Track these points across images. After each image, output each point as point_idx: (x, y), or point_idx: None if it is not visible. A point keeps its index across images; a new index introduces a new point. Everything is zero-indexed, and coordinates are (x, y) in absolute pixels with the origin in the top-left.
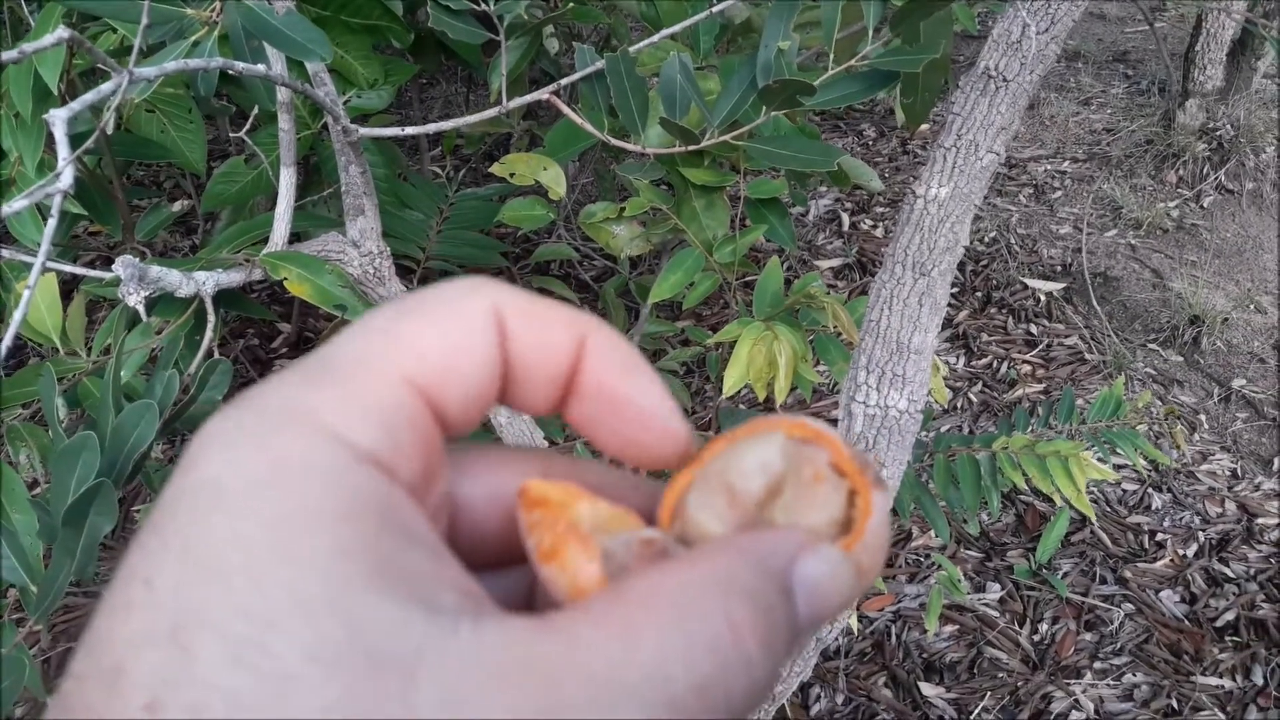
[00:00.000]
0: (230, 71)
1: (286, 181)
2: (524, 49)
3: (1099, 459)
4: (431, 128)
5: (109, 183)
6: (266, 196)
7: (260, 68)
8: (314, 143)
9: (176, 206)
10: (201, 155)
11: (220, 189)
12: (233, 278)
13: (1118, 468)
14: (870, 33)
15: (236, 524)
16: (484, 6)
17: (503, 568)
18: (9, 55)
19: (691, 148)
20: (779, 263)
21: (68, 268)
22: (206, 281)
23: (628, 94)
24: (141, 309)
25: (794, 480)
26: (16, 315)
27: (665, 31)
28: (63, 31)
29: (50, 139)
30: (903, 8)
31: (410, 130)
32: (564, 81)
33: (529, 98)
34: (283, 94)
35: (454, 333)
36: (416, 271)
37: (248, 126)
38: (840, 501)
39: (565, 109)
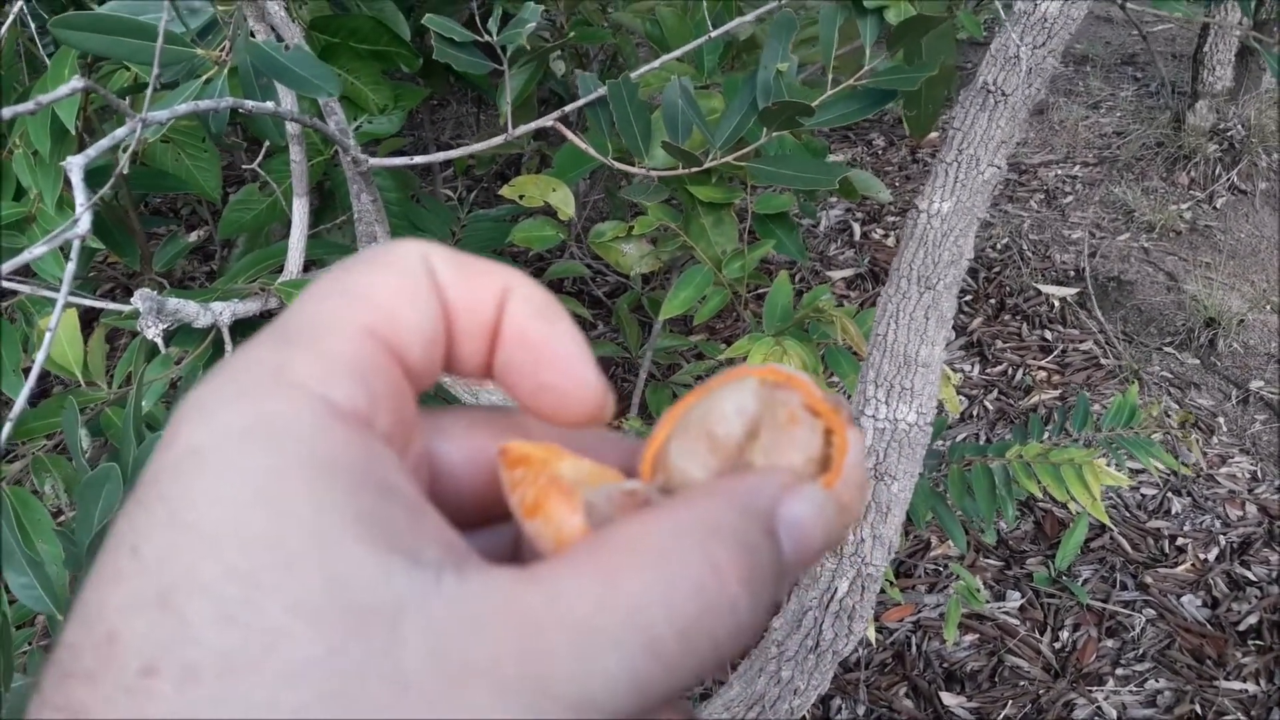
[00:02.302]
0: (240, 110)
1: (300, 211)
2: (530, 73)
3: (1114, 465)
4: (440, 156)
5: (125, 214)
6: (281, 223)
7: (270, 105)
8: (326, 168)
9: (193, 237)
10: (216, 183)
11: (236, 216)
12: (249, 307)
13: (1136, 472)
14: (867, 50)
15: (218, 486)
16: (487, 37)
17: (486, 526)
18: (25, 107)
19: (694, 170)
20: (788, 277)
21: (87, 301)
22: (223, 312)
23: (630, 118)
24: (160, 341)
25: (770, 423)
26: (39, 356)
27: (669, 55)
28: (78, 82)
29: (68, 179)
30: (899, 27)
31: (419, 160)
32: (569, 108)
33: (534, 125)
34: (293, 127)
35: (397, 281)
36: None
37: (260, 157)
38: (817, 441)
39: (569, 134)
